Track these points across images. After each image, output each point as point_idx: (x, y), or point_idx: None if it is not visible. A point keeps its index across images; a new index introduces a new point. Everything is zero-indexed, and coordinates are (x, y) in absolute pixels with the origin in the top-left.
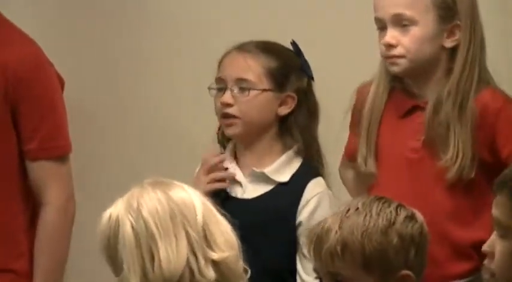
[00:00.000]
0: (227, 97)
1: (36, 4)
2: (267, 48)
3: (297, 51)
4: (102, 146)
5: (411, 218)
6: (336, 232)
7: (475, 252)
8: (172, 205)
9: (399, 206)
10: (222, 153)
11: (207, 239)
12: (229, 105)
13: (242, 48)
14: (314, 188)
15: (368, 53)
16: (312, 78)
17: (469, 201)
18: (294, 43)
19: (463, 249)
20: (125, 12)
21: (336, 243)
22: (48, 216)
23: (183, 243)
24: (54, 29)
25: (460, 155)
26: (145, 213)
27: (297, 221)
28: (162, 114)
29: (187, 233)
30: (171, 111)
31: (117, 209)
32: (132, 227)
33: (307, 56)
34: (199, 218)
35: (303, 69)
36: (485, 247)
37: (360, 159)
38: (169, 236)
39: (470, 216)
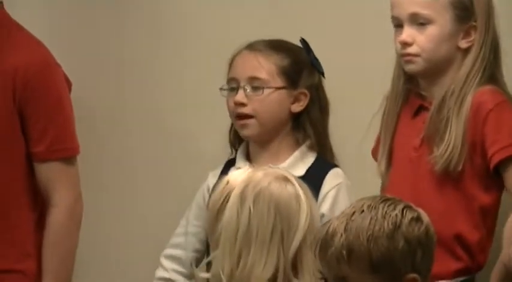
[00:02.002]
0: (240, 96)
1: (44, 6)
2: (278, 46)
3: (306, 48)
4: (110, 148)
5: (417, 219)
6: (341, 235)
7: (465, 253)
8: (277, 216)
9: (405, 207)
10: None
11: (296, 265)
12: (242, 104)
13: (252, 47)
14: (333, 179)
15: (376, 50)
16: (323, 75)
17: (459, 201)
18: (303, 40)
19: (452, 248)
20: (135, 16)
21: (341, 248)
22: (56, 217)
23: (272, 260)
24: (63, 31)
25: (451, 147)
26: (255, 210)
27: (319, 213)
28: (169, 116)
29: (278, 252)
30: (177, 113)
31: (237, 186)
32: (238, 217)
33: (316, 53)
34: (298, 238)
35: (314, 66)
36: None
37: (378, 159)
38: (263, 247)
39: (461, 216)
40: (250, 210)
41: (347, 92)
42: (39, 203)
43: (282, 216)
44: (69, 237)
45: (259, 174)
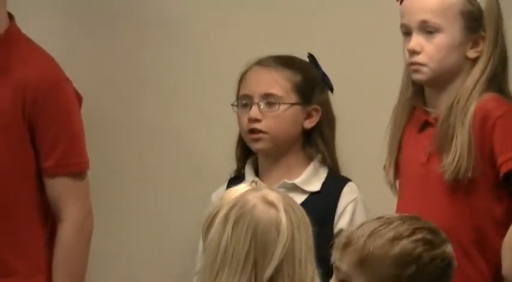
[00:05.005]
0: (255, 112)
1: (55, 17)
2: (288, 62)
3: (315, 63)
4: (121, 163)
5: (431, 244)
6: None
7: (480, 263)
8: (253, 242)
9: (426, 229)
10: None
11: None
12: (257, 120)
13: (263, 63)
14: (349, 193)
15: (384, 63)
16: (332, 91)
17: (470, 214)
18: (311, 56)
19: (468, 258)
20: (148, 31)
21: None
22: (65, 233)
23: None
24: (76, 44)
25: (458, 155)
26: (233, 233)
27: (337, 228)
28: (181, 130)
29: (250, 279)
30: (189, 128)
31: (226, 205)
32: (220, 237)
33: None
34: (272, 267)
35: (325, 82)
36: None
37: (385, 171)
38: (236, 271)
39: (472, 228)
40: (229, 232)
41: (355, 105)
42: (50, 219)
43: (257, 243)
44: (78, 252)
45: (251, 194)
